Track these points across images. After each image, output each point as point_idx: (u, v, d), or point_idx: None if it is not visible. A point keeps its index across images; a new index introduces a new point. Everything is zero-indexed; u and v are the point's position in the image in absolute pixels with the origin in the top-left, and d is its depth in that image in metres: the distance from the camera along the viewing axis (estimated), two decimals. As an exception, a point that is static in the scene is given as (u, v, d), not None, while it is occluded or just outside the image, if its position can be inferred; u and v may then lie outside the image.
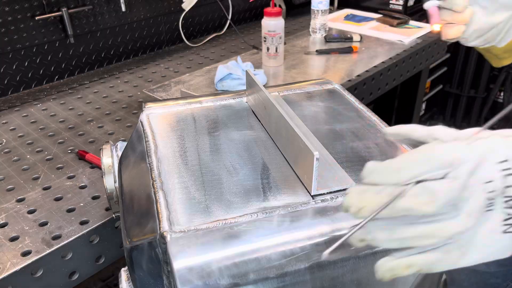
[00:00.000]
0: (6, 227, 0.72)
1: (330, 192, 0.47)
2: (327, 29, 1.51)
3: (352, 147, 0.56)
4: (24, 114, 1.09)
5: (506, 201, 0.36)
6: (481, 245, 0.37)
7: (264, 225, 0.43)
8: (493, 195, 0.36)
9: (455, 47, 2.44)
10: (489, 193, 0.36)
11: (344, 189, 0.48)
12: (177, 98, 0.67)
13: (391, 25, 1.57)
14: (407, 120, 1.83)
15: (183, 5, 1.43)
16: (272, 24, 1.23)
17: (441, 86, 2.64)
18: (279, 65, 1.29)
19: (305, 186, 0.48)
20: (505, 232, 0.37)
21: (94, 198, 0.78)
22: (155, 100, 1.12)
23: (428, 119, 2.77)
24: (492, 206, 0.37)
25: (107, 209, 0.75)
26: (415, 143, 0.41)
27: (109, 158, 0.63)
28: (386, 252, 0.45)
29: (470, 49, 2.37)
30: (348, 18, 1.68)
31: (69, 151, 0.93)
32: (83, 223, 0.72)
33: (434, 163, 0.36)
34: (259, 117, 0.62)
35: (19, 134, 1.00)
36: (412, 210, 0.36)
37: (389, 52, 1.37)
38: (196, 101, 0.66)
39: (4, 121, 1.06)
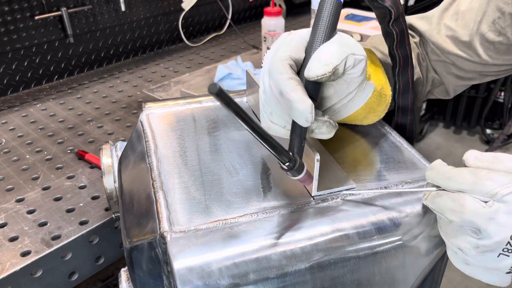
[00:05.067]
0: (5, 227, 0.72)
1: (331, 193, 0.47)
2: (327, 29, 1.50)
3: (353, 148, 0.56)
4: (24, 114, 1.09)
5: None
6: (485, 272, 0.42)
7: (264, 225, 0.43)
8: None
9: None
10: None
11: (345, 190, 0.48)
12: (177, 98, 0.67)
13: (391, 25, 1.56)
14: (407, 120, 1.82)
15: (183, 5, 1.43)
16: (272, 24, 1.23)
17: (441, 86, 2.63)
18: (279, 65, 1.28)
19: (305, 187, 0.48)
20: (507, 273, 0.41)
21: (94, 198, 0.78)
22: (155, 100, 1.12)
23: (428, 119, 2.77)
24: (508, 253, 0.40)
25: (106, 209, 0.75)
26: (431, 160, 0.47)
27: (109, 158, 0.63)
28: (386, 253, 0.45)
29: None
30: (349, 17, 1.67)
31: (69, 151, 0.93)
32: (82, 223, 0.72)
33: (478, 189, 0.40)
34: (259, 117, 0.62)
35: (19, 134, 1.00)
36: (440, 210, 0.42)
37: (389, 52, 1.37)
38: (196, 101, 0.66)
39: (3, 121, 1.06)
